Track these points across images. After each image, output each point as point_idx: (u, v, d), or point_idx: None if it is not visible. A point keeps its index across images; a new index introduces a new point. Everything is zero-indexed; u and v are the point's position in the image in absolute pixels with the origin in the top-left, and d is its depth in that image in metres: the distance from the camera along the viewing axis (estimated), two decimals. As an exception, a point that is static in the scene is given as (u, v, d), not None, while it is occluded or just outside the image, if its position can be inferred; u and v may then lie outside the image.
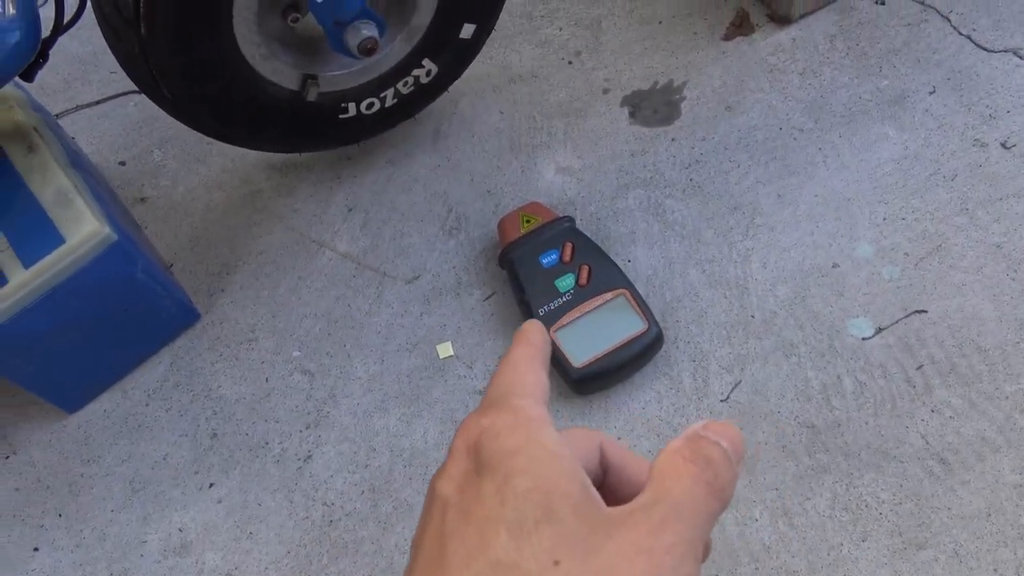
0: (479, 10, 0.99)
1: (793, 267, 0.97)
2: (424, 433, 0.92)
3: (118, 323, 0.92)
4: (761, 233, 1.00)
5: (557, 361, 0.89)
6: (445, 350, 0.97)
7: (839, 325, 0.93)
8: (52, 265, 0.82)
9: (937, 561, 0.79)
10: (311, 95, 0.96)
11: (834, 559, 0.80)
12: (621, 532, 0.23)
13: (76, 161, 0.93)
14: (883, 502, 0.82)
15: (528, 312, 0.92)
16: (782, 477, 0.85)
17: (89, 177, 0.94)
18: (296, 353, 0.99)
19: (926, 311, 0.92)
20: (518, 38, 1.22)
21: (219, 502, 0.90)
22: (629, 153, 1.09)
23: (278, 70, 0.93)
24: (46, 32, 0.81)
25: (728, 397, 0.90)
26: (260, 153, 1.14)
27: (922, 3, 1.16)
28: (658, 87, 1.15)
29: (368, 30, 0.91)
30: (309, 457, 0.92)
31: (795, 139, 1.07)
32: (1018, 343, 0.89)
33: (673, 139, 1.10)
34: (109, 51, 0.89)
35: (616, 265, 0.94)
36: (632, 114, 1.13)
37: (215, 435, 0.94)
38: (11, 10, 0.75)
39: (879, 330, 0.92)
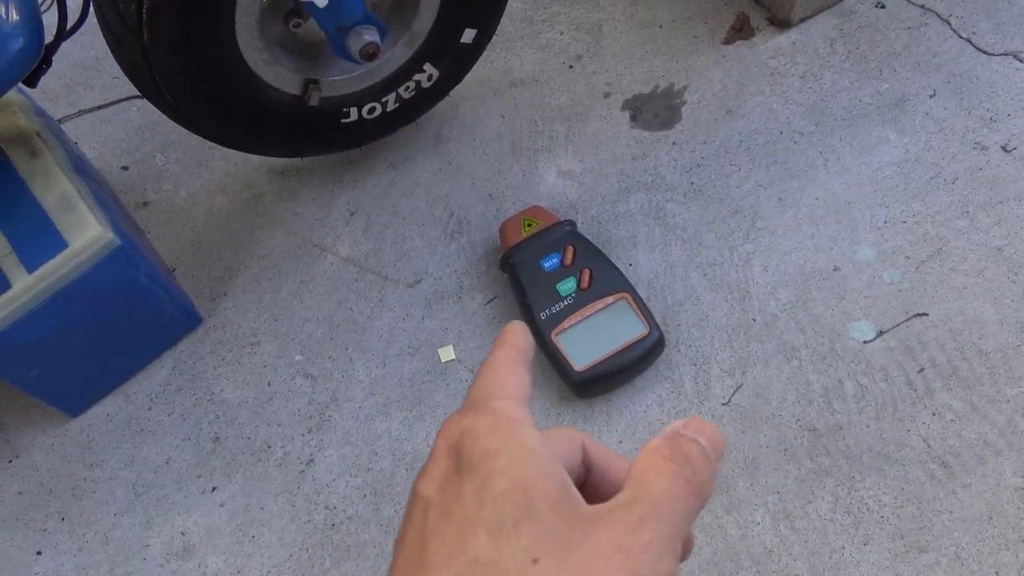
0: (480, 15, 1.00)
1: (794, 270, 0.97)
2: (426, 437, 0.92)
3: (121, 327, 0.92)
4: (762, 236, 1.00)
5: (559, 364, 0.89)
6: (447, 354, 0.97)
7: (840, 328, 0.93)
8: (55, 270, 0.82)
9: (939, 564, 0.79)
10: (313, 100, 0.96)
11: (836, 562, 0.80)
12: (599, 530, 0.23)
13: (79, 166, 0.94)
14: (884, 505, 0.82)
15: (530, 316, 0.92)
16: (783, 480, 0.85)
17: (92, 182, 0.95)
18: (298, 357, 0.99)
19: (927, 314, 0.92)
20: (519, 42, 1.23)
21: (221, 506, 0.91)
22: (630, 157, 1.09)
23: (280, 75, 0.93)
24: (49, 38, 0.81)
25: (730, 400, 0.90)
26: (262, 157, 1.14)
27: (922, 6, 1.17)
28: (659, 91, 1.15)
29: (370, 35, 0.91)
30: (311, 461, 0.92)
31: (796, 142, 1.07)
32: (1019, 346, 0.89)
33: (674, 143, 1.10)
34: (111, 56, 0.90)
35: (617, 269, 0.94)
36: (633, 118, 1.13)
37: (217, 439, 0.95)
38: (15, 16, 0.75)
39: (880, 333, 0.92)
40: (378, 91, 1.01)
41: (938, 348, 0.90)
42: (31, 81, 0.82)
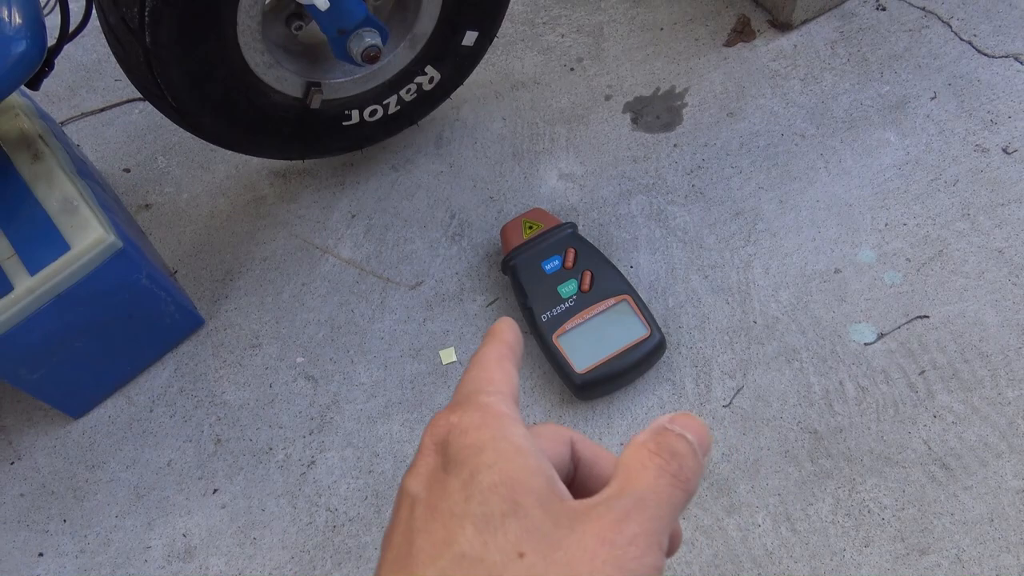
0: (481, 18, 1.00)
1: (795, 272, 0.97)
2: (427, 439, 0.92)
3: (122, 329, 0.93)
4: (763, 239, 1.00)
5: (560, 366, 0.89)
6: (448, 356, 0.97)
7: (841, 330, 0.93)
8: (57, 272, 0.82)
9: (940, 567, 0.79)
10: (314, 102, 0.96)
11: (837, 564, 0.80)
12: (585, 524, 0.24)
13: (81, 168, 0.94)
14: (885, 507, 0.82)
15: (531, 318, 0.92)
16: (784, 482, 0.85)
17: (94, 184, 0.95)
18: (300, 359, 0.99)
19: (928, 316, 0.92)
20: (520, 45, 1.23)
21: (223, 507, 0.91)
22: (631, 159, 1.09)
23: (282, 77, 0.93)
24: (51, 41, 0.81)
25: (731, 403, 0.90)
26: (264, 160, 1.14)
27: (923, 9, 1.17)
28: (660, 93, 1.15)
29: (371, 38, 0.91)
30: (313, 463, 0.92)
31: (796, 145, 1.07)
32: (1020, 348, 0.89)
33: (675, 145, 1.10)
34: (114, 59, 0.90)
35: (618, 271, 0.94)
36: (634, 120, 1.13)
37: (219, 441, 0.95)
38: (17, 20, 0.76)
39: (881, 335, 0.92)
40: (379, 93, 1.02)
41: (939, 350, 0.90)
42: (34, 84, 0.82)
